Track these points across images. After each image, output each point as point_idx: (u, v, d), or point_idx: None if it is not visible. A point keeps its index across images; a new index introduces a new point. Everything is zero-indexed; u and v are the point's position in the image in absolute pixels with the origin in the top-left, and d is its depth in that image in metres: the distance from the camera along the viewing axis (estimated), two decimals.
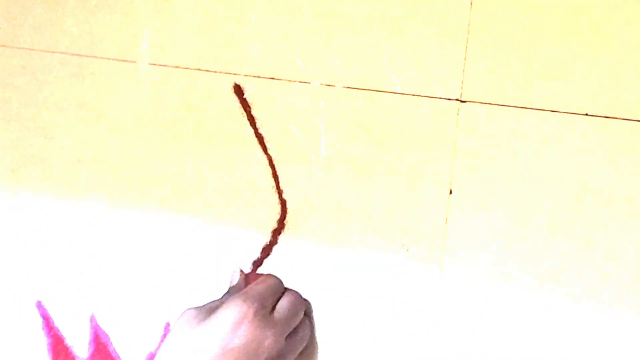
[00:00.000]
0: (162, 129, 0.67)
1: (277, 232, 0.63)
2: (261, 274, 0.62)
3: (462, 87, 0.53)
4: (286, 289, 0.59)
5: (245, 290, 0.56)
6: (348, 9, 0.57)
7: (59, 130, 0.73)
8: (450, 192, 0.54)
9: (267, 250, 0.63)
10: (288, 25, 0.60)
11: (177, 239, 0.68)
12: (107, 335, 0.75)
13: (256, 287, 0.56)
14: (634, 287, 0.49)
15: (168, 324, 0.69)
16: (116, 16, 0.68)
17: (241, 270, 0.61)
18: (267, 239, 0.63)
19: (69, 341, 0.78)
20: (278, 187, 0.62)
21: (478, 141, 0.53)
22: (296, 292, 0.59)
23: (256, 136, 0.63)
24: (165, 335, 0.70)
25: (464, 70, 0.53)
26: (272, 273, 0.62)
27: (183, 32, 0.65)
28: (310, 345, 0.61)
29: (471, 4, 0.52)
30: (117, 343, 0.74)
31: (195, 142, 0.65)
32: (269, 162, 0.62)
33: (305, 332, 0.59)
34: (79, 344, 0.77)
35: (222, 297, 0.57)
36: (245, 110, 0.63)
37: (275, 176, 0.62)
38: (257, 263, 0.64)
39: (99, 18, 0.69)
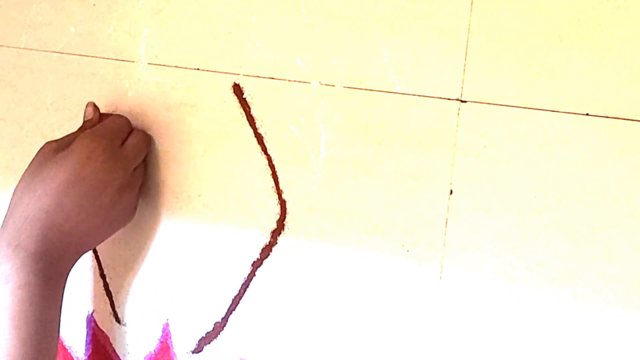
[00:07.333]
0: (161, 128, 0.67)
1: (276, 233, 0.62)
2: (111, 114, 0.66)
3: (462, 87, 0.53)
4: (133, 128, 0.65)
5: (96, 127, 0.63)
6: (348, 9, 0.57)
7: (59, 130, 0.73)
8: (451, 192, 0.54)
9: (266, 251, 0.63)
10: (288, 25, 0.60)
11: (176, 239, 0.68)
12: (105, 335, 0.74)
13: (106, 124, 0.63)
14: (634, 287, 0.48)
15: (167, 324, 0.69)
16: (115, 16, 0.68)
17: (94, 105, 0.67)
18: (266, 239, 0.63)
19: (68, 342, 0.77)
20: (278, 188, 0.62)
21: (478, 141, 0.53)
22: (142, 131, 0.66)
23: (256, 136, 0.62)
24: (164, 335, 0.70)
25: (464, 70, 0.53)
26: (120, 114, 0.67)
27: (182, 31, 0.65)
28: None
29: (471, 3, 0.52)
30: (116, 343, 0.74)
31: (195, 142, 0.65)
32: (269, 162, 0.62)
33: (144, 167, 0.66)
34: (77, 344, 0.77)
35: (77, 130, 0.64)
36: (245, 110, 0.63)
37: (274, 176, 0.62)
38: (257, 264, 0.64)
39: (99, 18, 0.69)
